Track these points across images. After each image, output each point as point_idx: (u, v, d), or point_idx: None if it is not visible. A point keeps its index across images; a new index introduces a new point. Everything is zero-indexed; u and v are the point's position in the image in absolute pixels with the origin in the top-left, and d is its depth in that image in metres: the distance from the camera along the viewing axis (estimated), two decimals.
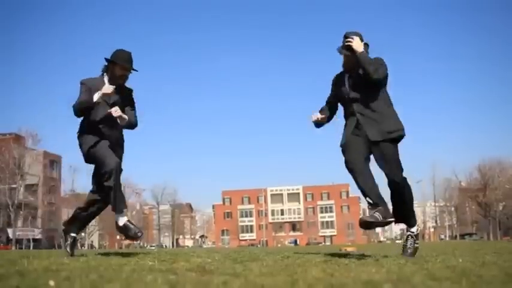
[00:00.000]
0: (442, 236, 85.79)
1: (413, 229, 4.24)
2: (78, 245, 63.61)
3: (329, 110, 4.40)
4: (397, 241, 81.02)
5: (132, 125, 4.58)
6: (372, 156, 4.08)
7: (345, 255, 4.72)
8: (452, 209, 79.48)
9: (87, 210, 4.69)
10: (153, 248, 66.82)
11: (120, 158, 4.55)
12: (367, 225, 3.89)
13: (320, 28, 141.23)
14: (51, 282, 1.73)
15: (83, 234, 68.12)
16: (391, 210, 3.99)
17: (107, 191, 4.31)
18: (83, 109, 4.37)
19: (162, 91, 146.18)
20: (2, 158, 54.88)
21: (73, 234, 4.71)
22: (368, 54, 4.05)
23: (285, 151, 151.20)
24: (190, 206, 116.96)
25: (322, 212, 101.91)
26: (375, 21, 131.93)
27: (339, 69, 4.30)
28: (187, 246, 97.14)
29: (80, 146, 4.47)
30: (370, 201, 3.91)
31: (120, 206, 4.37)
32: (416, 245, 4.24)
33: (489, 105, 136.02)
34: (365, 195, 3.96)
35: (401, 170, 4.05)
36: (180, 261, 3.37)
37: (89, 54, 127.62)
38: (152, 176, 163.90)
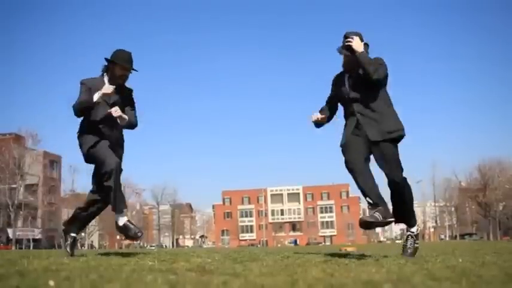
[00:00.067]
0: (442, 236, 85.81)
1: (414, 229, 4.24)
2: (78, 245, 63.55)
3: (329, 110, 4.39)
4: (397, 241, 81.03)
5: (132, 125, 4.59)
6: (372, 157, 4.08)
7: (345, 255, 4.72)
8: (452, 209, 79.48)
9: (87, 210, 4.69)
10: (153, 248, 66.82)
11: (120, 158, 4.55)
12: (367, 225, 3.89)
13: (319, 28, 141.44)
14: (51, 282, 1.73)
15: (83, 234, 68.09)
16: (391, 210, 4.00)
17: (106, 191, 4.31)
18: (82, 109, 4.37)
19: (162, 91, 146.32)
20: (2, 158, 54.86)
21: (73, 234, 4.71)
22: (368, 54, 4.05)
23: (285, 151, 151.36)
24: (190, 206, 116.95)
25: (322, 212, 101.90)
26: (374, 21, 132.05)
27: (339, 69, 4.30)
28: (187, 246, 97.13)
29: (80, 146, 4.47)
30: (370, 201, 3.91)
31: (120, 206, 4.37)
32: (416, 245, 4.24)
33: (489, 105, 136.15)
34: (365, 195, 3.97)
35: (402, 170, 4.05)
36: (180, 261, 3.37)
37: (89, 54, 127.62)
38: (152, 176, 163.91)
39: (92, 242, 64.10)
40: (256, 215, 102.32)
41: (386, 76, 4.00)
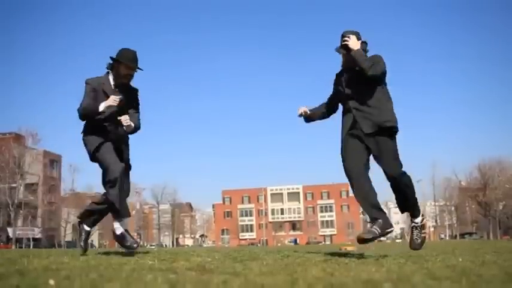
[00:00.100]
0: (442, 236, 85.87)
1: (418, 220, 4.26)
2: (79, 244, 64.12)
3: (329, 108, 4.44)
4: (397, 240, 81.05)
5: (136, 129, 4.59)
6: (372, 157, 4.09)
7: (345, 254, 4.72)
8: (452, 208, 79.47)
9: (102, 205, 4.67)
10: (153, 247, 66.81)
11: (127, 156, 4.59)
12: (365, 241, 3.90)
13: (319, 28, 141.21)
14: (51, 281, 1.73)
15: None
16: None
17: (111, 198, 4.34)
18: (87, 114, 4.39)
19: (162, 91, 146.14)
20: (2, 157, 54.89)
21: (87, 228, 4.71)
22: (367, 52, 4.08)
23: (285, 151, 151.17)
24: (190, 206, 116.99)
25: (322, 211, 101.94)
26: (374, 21, 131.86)
27: (339, 68, 4.32)
28: (187, 245, 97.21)
29: (85, 145, 4.48)
30: (368, 218, 3.96)
31: (121, 214, 4.41)
32: (423, 235, 4.27)
33: (489, 105, 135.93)
34: (363, 210, 4.00)
35: (400, 164, 4.03)
36: (180, 260, 3.37)
37: (89, 54, 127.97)
38: (152, 176, 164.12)
39: (92, 241, 64.05)
40: (256, 214, 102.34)
41: (384, 73, 4.00)
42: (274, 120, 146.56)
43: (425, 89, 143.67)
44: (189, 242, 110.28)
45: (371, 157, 4.09)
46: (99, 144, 4.35)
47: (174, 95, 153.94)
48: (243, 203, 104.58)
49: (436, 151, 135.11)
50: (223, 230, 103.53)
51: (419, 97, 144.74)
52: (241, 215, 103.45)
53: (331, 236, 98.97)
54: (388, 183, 4.09)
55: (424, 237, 4.29)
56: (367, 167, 4.06)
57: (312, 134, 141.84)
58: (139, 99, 4.71)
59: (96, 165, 4.49)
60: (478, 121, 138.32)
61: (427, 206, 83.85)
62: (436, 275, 2.03)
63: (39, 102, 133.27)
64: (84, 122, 4.50)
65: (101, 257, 4.01)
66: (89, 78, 4.45)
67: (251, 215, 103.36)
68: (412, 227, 4.31)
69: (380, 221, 3.88)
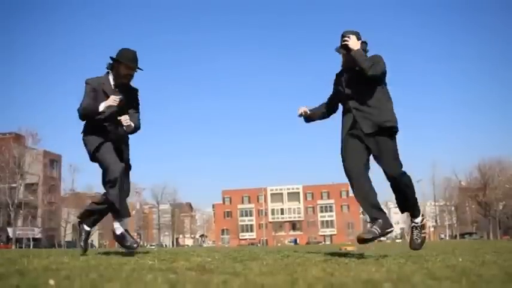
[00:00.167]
0: (442, 236, 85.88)
1: (417, 220, 4.26)
2: (79, 244, 64.08)
3: (329, 108, 4.44)
4: (397, 240, 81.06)
5: (136, 129, 4.59)
6: (372, 157, 4.09)
7: (345, 254, 4.72)
8: (452, 208, 79.45)
9: (102, 205, 4.67)
10: (153, 247, 66.81)
11: (127, 156, 4.59)
12: (365, 241, 3.90)
13: (319, 28, 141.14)
14: (51, 281, 1.73)
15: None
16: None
17: (111, 198, 4.35)
18: (87, 115, 4.40)
19: (162, 91, 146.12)
20: (2, 157, 54.89)
21: (87, 228, 4.70)
22: (367, 52, 4.08)
23: (285, 151, 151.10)
24: (190, 206, 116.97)
25: (322, 211, 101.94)
26: (374, 21, 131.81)
27: (339, 68, 4.32)
28: (187, 245, 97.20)
29: (85, 145, 4.48)
30: (368, 218, 3.96)
31: (121, 213, 4.41)
32: (423, 235, 4.27)
33: (489, 105, 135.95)
34: (363, 210, 4.00)
35: (400, 164, 4.02)
36: (180, 260, 3.37)
37: (89, 54, 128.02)
38: (152, 176, 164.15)
39: (92, 241, 64.06)
40: (256, 214, 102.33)
41: (384, 73, 4.00)
42: (274, 120, 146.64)
43: (425, 89, 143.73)
44: (189, 242, 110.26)
45: (371, 157, 4.09)
46: (99, 144, 4.36)
47: (174, 95, 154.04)
48: (243, 203, 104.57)
49: (436, 151, 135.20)
50: (223, 230, 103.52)
51: (419, 97, 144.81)
52: (241, 215, 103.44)
53: (331, 236, 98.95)
54: (388, 183, 4.09)
55: (424, 237, 4.29)
56: (367, 167, 4.06)
57: (312, 134, 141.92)
58: (139, 99, 4.72)
59: (96, 165, 4.49)
60: (478, 121, 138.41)
61: (427, 206, 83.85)
62: (436, 275, 2.03)
63: (39, 102, 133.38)
64: (84, 122, 4.50)
65: (101, 257, 4.01)
66: (88, 78, 4.45)
67: (251, 215, 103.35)
68: (412, 227, 4.31)
69: (380, 221, 3.88)
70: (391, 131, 3.99)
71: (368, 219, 4.00)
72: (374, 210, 3.93)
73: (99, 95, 4.39)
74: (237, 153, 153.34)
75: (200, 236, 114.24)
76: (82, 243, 4.69)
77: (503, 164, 70.83)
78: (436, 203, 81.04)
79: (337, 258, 3.74)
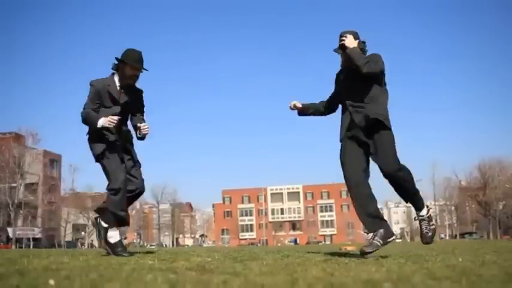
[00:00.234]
0: (442, 235, 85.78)
1: (423, 212, 4.22)
2: (79, 244, 63.83)
3: (328, 107, 4.45)
4: (397, 240, 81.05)
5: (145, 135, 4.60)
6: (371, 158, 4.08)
7: (345, 254, 4.72)
8: (452, 208, 79.44)
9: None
10: (153, 247, 66.84)
11: (135, 154, 4.61)
12: (367, 254, 3.84)
13: (319, 28, 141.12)
14: (51, 281, 1.73)
15: (83, 233, 68.15)
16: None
17: (113, 205, 4.36)
18: (87, 124, 4.42)
19: (162, 91, 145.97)
20: (2, 157, 54.86)
21: (105, 225, 4.62)
22: (366, 51, 4.08)
23: (285, 150, 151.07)
24: (190, 205, 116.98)
25: (322, 211, 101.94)
26: (374, 21, 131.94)
27: (338, 68, 4.33)
28: (187, 245, 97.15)
29: (90, 148, 4.48)
30: (367, 230, 3.93)
31: (119, 222, 4.42)
32: (432, 227, 4.20)
33: (489, 105, 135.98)
34: (359, 219, 3.97)
35: (396, 161, 3.96)
36: (180, 260, 3.37)
37: (89, 54, 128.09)
38: (152, 175, 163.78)
39: (92, 241, 64.05)
40: (256, 214, 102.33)
41: (382, 71, 3.99)
42: (274, 120, 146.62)
43: (425, 89, 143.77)
44: (189, 242, 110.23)
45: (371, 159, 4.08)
46: (104, 150, 4.37)
47: (174, 95, 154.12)
48: (243, 202, 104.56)
49: (436, 151, 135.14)
50: (223, 230, 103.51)
51: (419, 97, 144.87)
52: (241, 215, 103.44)
53: (331, 235, 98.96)
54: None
55: (434, 229, 4.20)
56: (366, 173, 4.04)
57: (312, 134, 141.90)
58: (143, 100, 4.71)
59: (97, 165, 4.50)
60: (478, 121, 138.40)
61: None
62: (436, 275, 2.03)
63: (39, 102, 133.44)
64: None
65: (101, 257, 4.01)
66: (93, 80, 4.43)
67: (251, 215, 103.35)
68: (420, 221, 4.23)
69: (381, 231, 3.84)
70: (385, 127, 3.96)
71: (363, 231, 3.96)
72: (371, 220, 3.89)
73: (104, 97, 4.38)
74: (237, 153, 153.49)
75: (200, 236, 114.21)
76: (105, 245, 4.53)
77: (503, 164, 70.84)
78: (436, 203, 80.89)
79: (337, 258, 3.74)
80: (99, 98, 4.37)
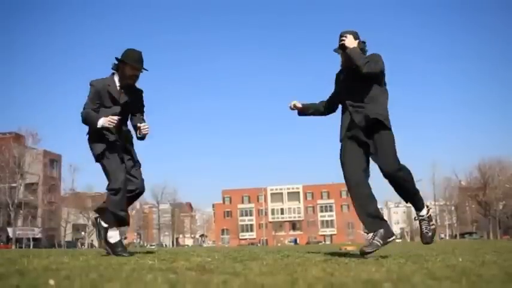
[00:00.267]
0: (442, 235, 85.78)
1: (423, 212, 4.21)
2: (79, 244, 63.81)
3: (328, 107, 4.45)
4: (397, 240, 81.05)
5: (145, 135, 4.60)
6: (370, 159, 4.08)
7: (345, 254, 4.72)
8: (452, 208, 79.43)
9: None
10: (153, 247, 66.83)
11: (135, 154, 4.61)
12: (367, 254, 3.83)
13: (319, 28, 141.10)
14: (51, 281, 1.73)
15: (83, 233, 68.15)
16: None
17: (113, 206, 4.36)
18: (86, 124, 4.43)
19: (162, 91, 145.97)
20: (2, 157, 54.86)
21: (105, 225, 4.63)
22: (366, 51, 4.08)
23: (285, 151, 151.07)
24: (190, 205, 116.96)
25: (322, 211, 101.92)
26: (374, 21, 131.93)
27: (339, 68, 4.33)
28: (187, 245, 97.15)
29: (90, 148, 4.48)
30: (367, 230, 3.93)
31: (119, 222, 4.42)
32: (432, 227, 4.20)
33: (489, 105, 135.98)
34: (359, 219, 3.97)
35: (396, 161, 3.95)
36: (180, 260, 3.37)
37: (89, 54, 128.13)
38: (152, 175, 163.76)
39: (92, 241, 64.04)
40: (256, 214, 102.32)
41: (382, 71, 3.99)
42: (274, 120, 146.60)
43: (425, 89, 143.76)
44: (189, 242, 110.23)
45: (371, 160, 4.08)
46: (104, 150, 4.37)
47: (174, 95, 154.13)
48: (243, 202, 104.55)
49: (436, 151, 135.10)
50: (223, 230, 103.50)
51: (419, 97, 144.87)
52: (241, 215, 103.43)
53: (331, 235, 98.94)
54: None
55: (434, 229, 4.20)
56: (366, 174, 4.03)
57: (312, 134, 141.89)
58: (143, 100, 4.71)
59: (97, 165, 4.50)
60: (478, 121, 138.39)
61: None
62: (436, 275, 2.03)
63: (39, 102, 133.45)
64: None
65: (101, 257, 4.01)
66: (93, 80, 4.43)
67: (251, 215, 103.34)
68: (420, 221, 4.23)
69: (381, 231, 3.84)
70: (385, 127, 3.96)
71: (363, 231, 3.96)
72: (371, 220, 3.89)
73: (104, 97, 4.39)
74: (237, 153, 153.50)
75: (200, 236, 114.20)
76: (105, 245, 4.52)
77: (503, 164, 70.84)
78: (436, 203, 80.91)
79: (337, 258, 3.73)
80: (99, 98, 4.37)
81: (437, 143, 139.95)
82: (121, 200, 4.34)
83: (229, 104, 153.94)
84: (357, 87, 4.04)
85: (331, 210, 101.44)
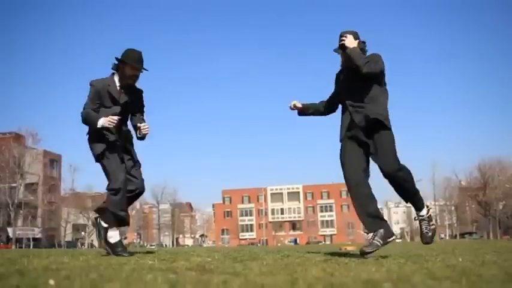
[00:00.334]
0: (442, 235, 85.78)
1: (423, 212, 4.21)
2: (79, 244, 63.80)
3: (328, 107, 4.45)
4: (397, 240, 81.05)
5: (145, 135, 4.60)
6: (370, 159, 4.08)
7: (345, 254, 4.72)
8: (452, 208, 79.42)
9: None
10: (153, 247, 66.82)
11: (135, 154, 4.61)
12: (367, 254, 3.83)
13: (319, 28, 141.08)
14: (51, 281, 1.72)
15: (83, 233, 68.15)
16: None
17: (113, 206, 4.36)
18: (87, 124, 4.43)
19: (162, 91, 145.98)
20: (2, 157, 54.87)
21: (105, 225, 4.62)
22: (366, 51, 4.08)
23: (285, 151, 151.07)
24: (190, 205, 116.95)
25: (322, 211, 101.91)
26: (374, 21, 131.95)
27: (339, 68, 4.33)
28: (187, 245, 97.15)
29: (90, 148, 4.48)
30: (367, 230, 3.93)
31: (119, 222, 4.42)
32: (432, 227, 4.19)
33: (489, 105, 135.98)
34: (359, 219, 3.97)
35: (396, 161, 3.95)
36: (180, 260, 3.37)
37: (89, 54, 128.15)
38: (152, 175, 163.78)
39: (92, 241, 64.03)
40: (256, 214, 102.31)
41: (382, 71, 3.99)
42: (274, 120, 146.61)
43: (425, 89, 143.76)
44: (189, 242, 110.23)
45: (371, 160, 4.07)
46: (104, 150, 4.37)
47: (174, 95, 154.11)
48: (243, 202, 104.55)
49: (436, 151, 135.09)
50: (223, 230, 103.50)
51: (419, 97, 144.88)
52: (241, 215, 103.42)
53: (331, 235, 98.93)
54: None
55: (434, 229, 4.20)
56: (366, 173, 4.03)
57: (312, 134, 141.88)
58: (143, 100, 4.71)
59: (97, 164, 4.50)
60: (478, 121, 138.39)
61: None
62: (436, 275, 2.03)
63: (39, 102, 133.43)
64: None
65: (101, 257, 4.01)
66: (93, 80, 4.43)
67: (251, 215, 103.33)
68: (420, 221, 4.23)
69: (381, 231, 3.84)
70: (385, 127, 3.96)
71: (363, 231, 3.96)
72: (371, 220, 3.89)
73: (104, 97, 4.39)
74: (237, 153, 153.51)
75: (200, 236, 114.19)
76: (105, 245, 4.52)
77: (503, 164, 70.85)
78: (436, 203, 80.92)
79: (337, 258, 3.73)
80: (99, 98, 4.37)
81: (437, 143, 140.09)
82: (121, 200, 4.34)
83: (229, 104, 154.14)
84: (357, 87, 4.04)
85: (331, 210, 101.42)
